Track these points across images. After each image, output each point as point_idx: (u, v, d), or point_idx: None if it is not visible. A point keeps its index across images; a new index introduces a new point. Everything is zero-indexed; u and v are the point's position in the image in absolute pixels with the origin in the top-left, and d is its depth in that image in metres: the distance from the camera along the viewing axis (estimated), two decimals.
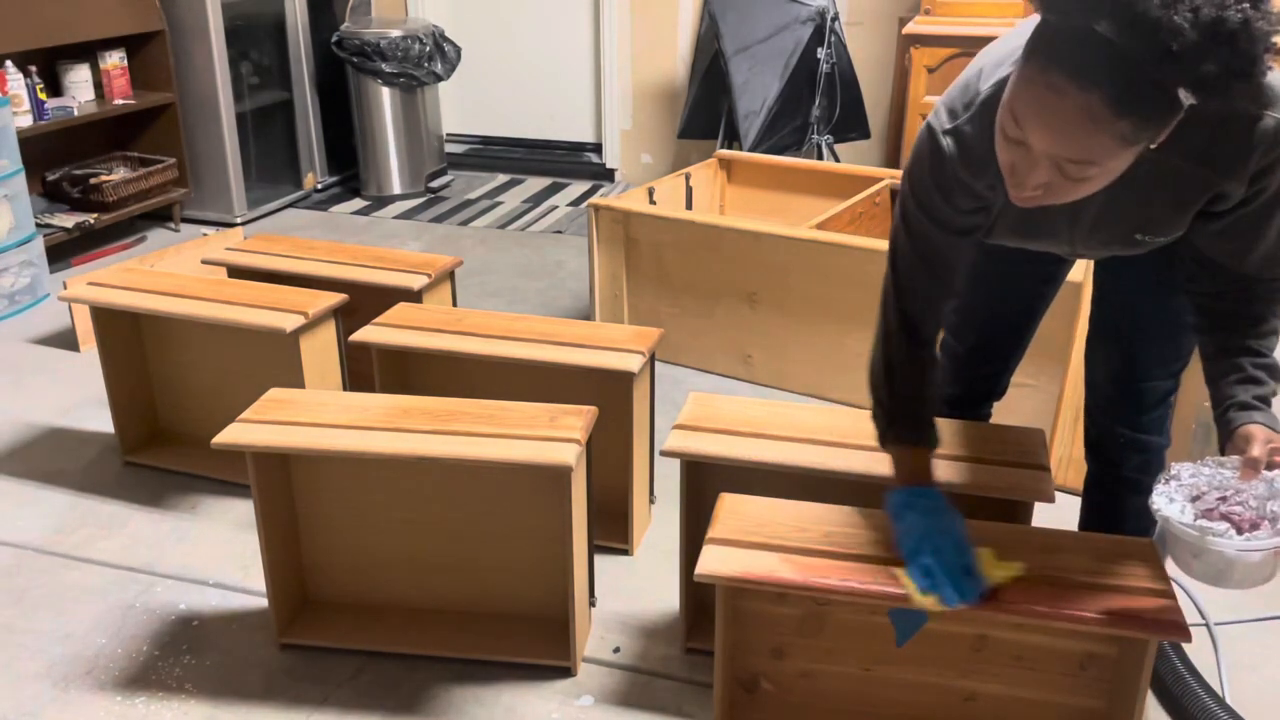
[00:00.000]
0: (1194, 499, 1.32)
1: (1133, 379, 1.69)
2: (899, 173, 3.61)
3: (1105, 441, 1.75)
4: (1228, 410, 1.36)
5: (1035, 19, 1.20)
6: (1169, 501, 1.33)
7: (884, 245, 2.81)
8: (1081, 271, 2.24)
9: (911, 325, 1.54)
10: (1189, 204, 1.36)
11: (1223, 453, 1.38)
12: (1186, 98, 1.11)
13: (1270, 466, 1.29)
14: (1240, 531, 1.27)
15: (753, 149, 4.09)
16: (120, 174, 4.22)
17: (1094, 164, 1.18)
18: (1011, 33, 1.43)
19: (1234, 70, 1.06)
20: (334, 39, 4.70)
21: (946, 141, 1.40)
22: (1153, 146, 1.20)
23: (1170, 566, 1.45)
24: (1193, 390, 2.43)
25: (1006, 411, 2.18)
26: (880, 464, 1.77)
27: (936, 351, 1.60)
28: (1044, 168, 1.20)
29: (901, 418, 1.58)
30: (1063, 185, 1.22)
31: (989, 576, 1.49)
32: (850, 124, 4.39)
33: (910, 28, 4.08)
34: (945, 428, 1.88)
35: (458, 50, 4.87)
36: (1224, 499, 1.30)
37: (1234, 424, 1.34)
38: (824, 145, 4.32)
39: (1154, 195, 1.35)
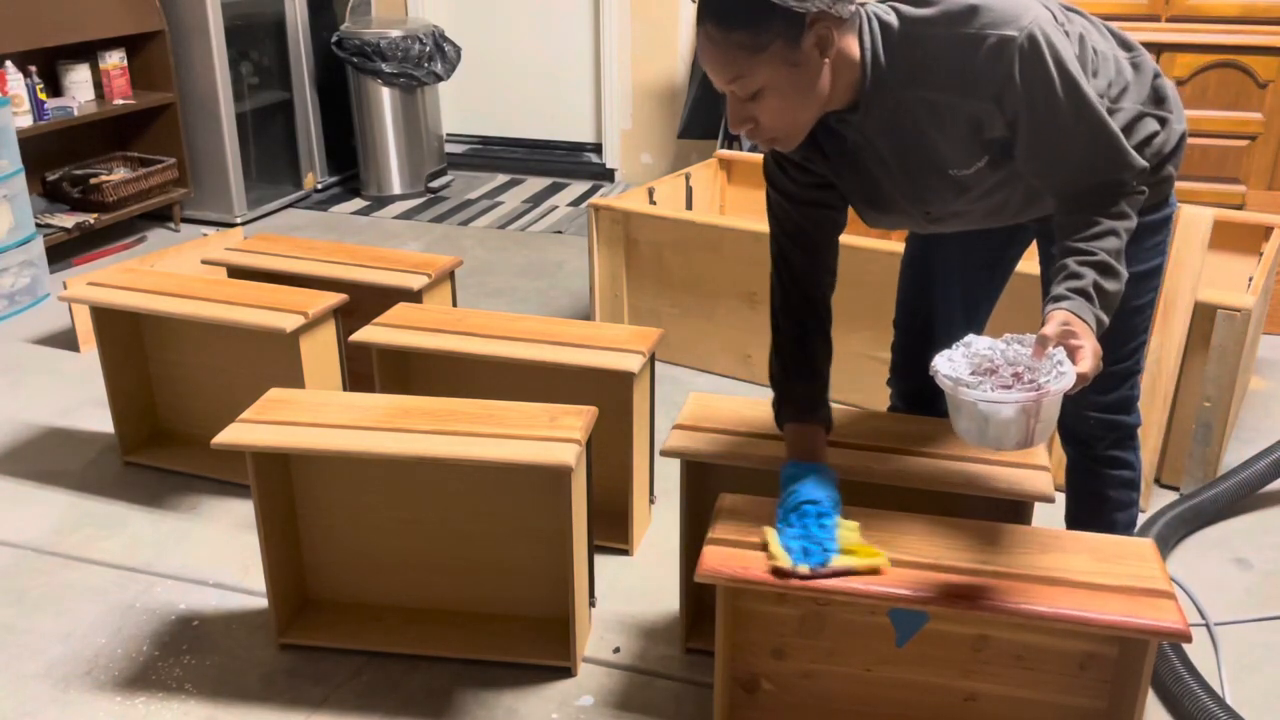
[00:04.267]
0: (989, 371, 1.34)
1: None
2: None
3: (1077, 427, 1.77)
4: (1046, 305, 1.40)
5: None
6: (946, 361, 1.36)
7: (884, 246, 2.84)
8: None
9: (792, 302, 1.68)
10: (954, 133, 1.46)
11: None
12: (794, 3, 1.33)
13: (1061, 346, 1.32)
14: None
15: (753, 149, 4.09)
16: (120, 174, 4.22)
17: (745, 78, 1.39)
18: None
19: None
20: (334, 39, 4.70)
21: None
22: (825, 57, 1.39)
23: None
24: (1193, 392, 2.43)
25: None
26: (880, 463, 1.77)
27: (827, 331, 1.70)
28: (733, 101, 1.44)
29: (790, 396, 1.69)
30: (754, 111, 1.43)
31: (845, 553, 1.53)
32: None
33: None
34: (945, 428, 1.89)
35: (458, 50, 4.87)
36: (1017, 375, 1.32)
37: (1045, 313, 1.38)
38: None
39: (924, 131, 1.47)
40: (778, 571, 1.52)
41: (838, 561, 1.52)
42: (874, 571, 1.52)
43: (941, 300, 1.88)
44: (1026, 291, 2.00)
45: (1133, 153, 1.44)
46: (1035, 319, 1.95)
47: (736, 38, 1.37)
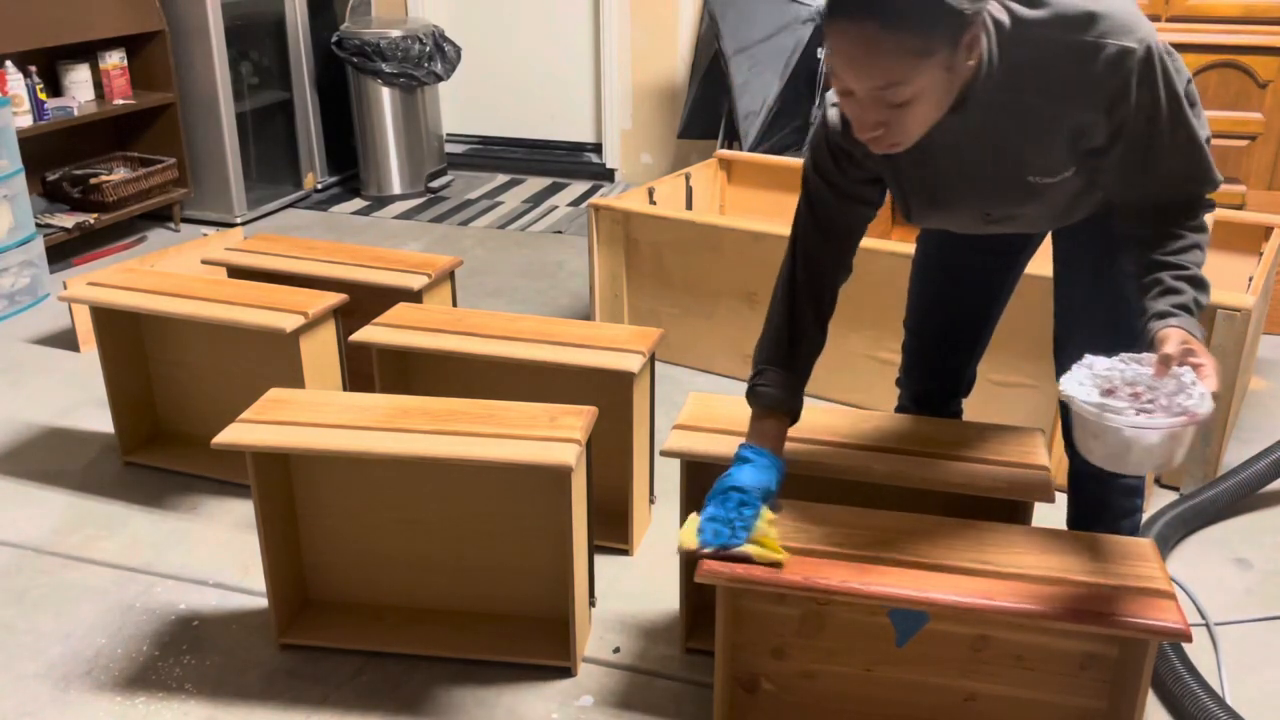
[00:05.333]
0: (1107, 392, 1.33)
1: None
2: None
3: None
4: (1149, 322, 1.40)
5: None
6: (1078, 385, 1.35)
7: (886, 246, 2.84)
8: None
9: (801, 292, 1.65)
10: (1052, 140, 1.43)
11: None
12: (960, 2, 1.26)
13: (1183, 365, 1.32)
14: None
15: (753, 149, 4.09)
16: (120, 174, 4.22)
17: (902, 84, 1.29)
18: None
19: None
20: (334, 39, 4.70)
21: (832, 112, 1.56)
22: (971, 63, 1.33)
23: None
24: None
25: (1007, 411, 2.19)
26: (880, 463, 1.77)
27: (825, 326, 1.68)
28: (870, 106, 1.34)
29: (771, 381, 1.66)
30: (894, 117, 1.34)
31: (753, 543, 1.54)
32: None
33: None
34: (945, 428, 1.89)
35: (458, 50, 4.87)
36: (1136, 395, 1.32)
37: (1152, 331, 1.38)
38: None
39: (1018, 136, 1.43)
40: (683, 550, 1.57)
41: (741, 549, 1.54)
42: (773, 565, 1.54)
43: (956, 302, 1.87)
44: (1030, 292, 2.00)
45: (1214, 166, 1.44)
46: (1037, 319, 1.96)
47: (904, 41, 1.26)
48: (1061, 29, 1.35)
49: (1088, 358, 1.39)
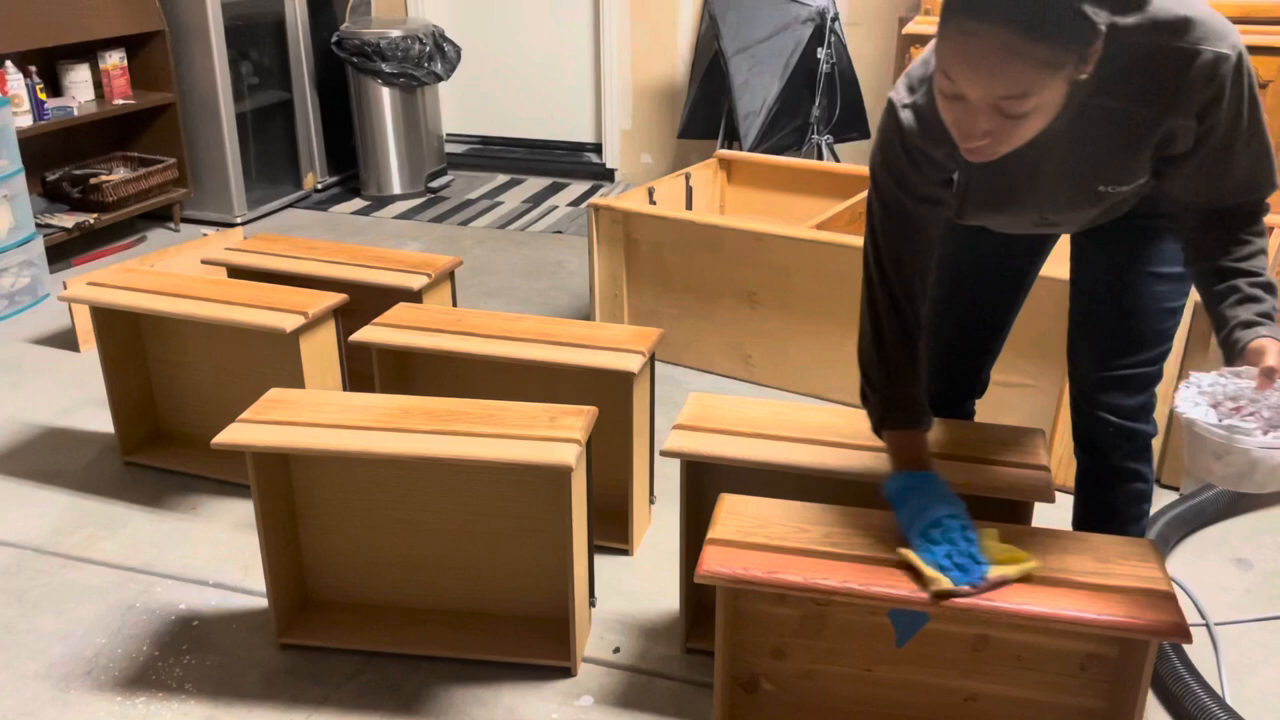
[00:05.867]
0: (1212, 407, 1.32)
1: (1118, 366, 1.69)
2: None
3: (1094, 432, 1.75)
4: (1233, 331, 1.38)
5: None
6: (1193, 405, 1.33)
7: None
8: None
9: (899, 302, 1.58)
10: (1141, 147, 1.40)
11: None
12: (1097, 14, 1.19)
13: None
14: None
15: (753, 149, 4.09)
16: (120, 174, 4.22)
17: (1027, 96, 1.23)
18: None
19: None
20: (334, 39, 4.70)
21: (905, 115, 1.47)
22: (1084, 77, 1.26)
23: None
24: None
25: (1007, 411, 2.18)
26: (881, 463, 1.77)
27: (922, 334, 1.62)
28: (984, 114, 1.26)
29: (896, 402, 1.60)
30: (1006, 127, 1.27)
31: (993, 561, 1.49)
32: (850, 124, 4.39)
33: (910, 28, 4.08)
34: (945, 428, 1.89)
35: (458, 50, 4.87)
36: (1238, 409, 1.31)
37: (1242, 342, 1.36)
38: (824, 145, 4.32)
39: (1106, 142, 1.40)
40: (939, 594, 1.45)
41: (994, 573, 1.47)
42: (1028, 578, 1.48)
43: (979, 302, 1.85)
44: (1033, 293, 1.99)
45: (1276, 170, 1.43)
46: (1038, 319, 1.95)
47: (1038, 51, 1.19)
48: (1157, 34, 1.31)
49: (1192, 375, 1.36)
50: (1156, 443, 2.46)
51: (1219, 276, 1.42)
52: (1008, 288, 1.84)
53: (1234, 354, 1.38)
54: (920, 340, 1.61)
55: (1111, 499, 1.79)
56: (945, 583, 1.45)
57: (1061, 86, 1.24)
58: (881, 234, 1.57)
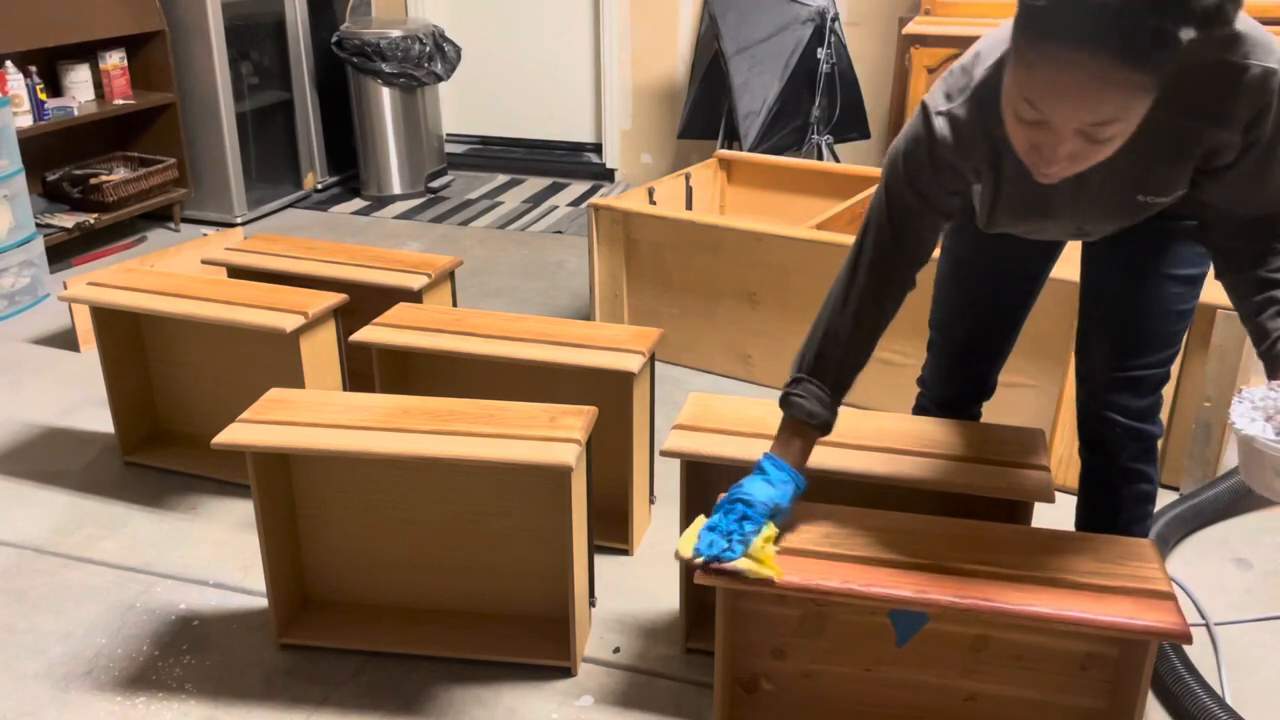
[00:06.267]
0: (1266, 420, 1.32)
1: (1128, 367, 1.69)
2: None
3: (1102, 432, 1.75)
4: (1275, 344, 1.38)
5: None
6: (1250, 421, 1.32)
7: None
8: (1077, 270, 2.24)
9: (865, 304, 1.57)
10: (1187, 159, 1.39)
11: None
12: (1185, 33, 1.15)
13: None
14: None
15: (753, 149, 4.09)
16: (120, 174, 4.22)
17: (1117, 120, 1.20)
18: (1010, 21, 1.44)
19: None
20: (334, 39, 4.70)
21: (939, 122, 1.44)
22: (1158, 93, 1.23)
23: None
24: (1193, 392, 2.43)
25: (1007, 411, 2.18)
26: (880, 463, 1.77)
27: (876, 343, 1.61)
28: (1068, 139, 1.23)
29: (811, 393, 1.59)
30: (1089, 150, 1.24)
31: (748, 558, 1.53)
32: (850, 124, 4.39)
33: (910, 28, 4.08)
34: (945, 428, 1.89)
35: (458, 50, 4.87)
36: None
37: None
38: (824, 145, 4.32)
39: (1153, 155, 1.38)
40: (677, 557, 1.56)
41: (734, 564, 1.52)
42: (764, 582, 1.53)
43: (991, 307, 1.85)
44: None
45: None
46: (1039, 320, 1.95)
47: (1134, 77, 1.16)
48: (1208, 49, 1.27)
49: (1244, 390, 1.36)
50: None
51: (1255, 288, 1.42)
52: (1022, 290, 1.83)
53: (1273, 365, 1.38)
54: (866, 347, 1.60)
55: (1117, 500, 1.79)
56: (685, 551, 1.55)
57: (1147, 105, 1.21)
58: (875, 238, 1.56)
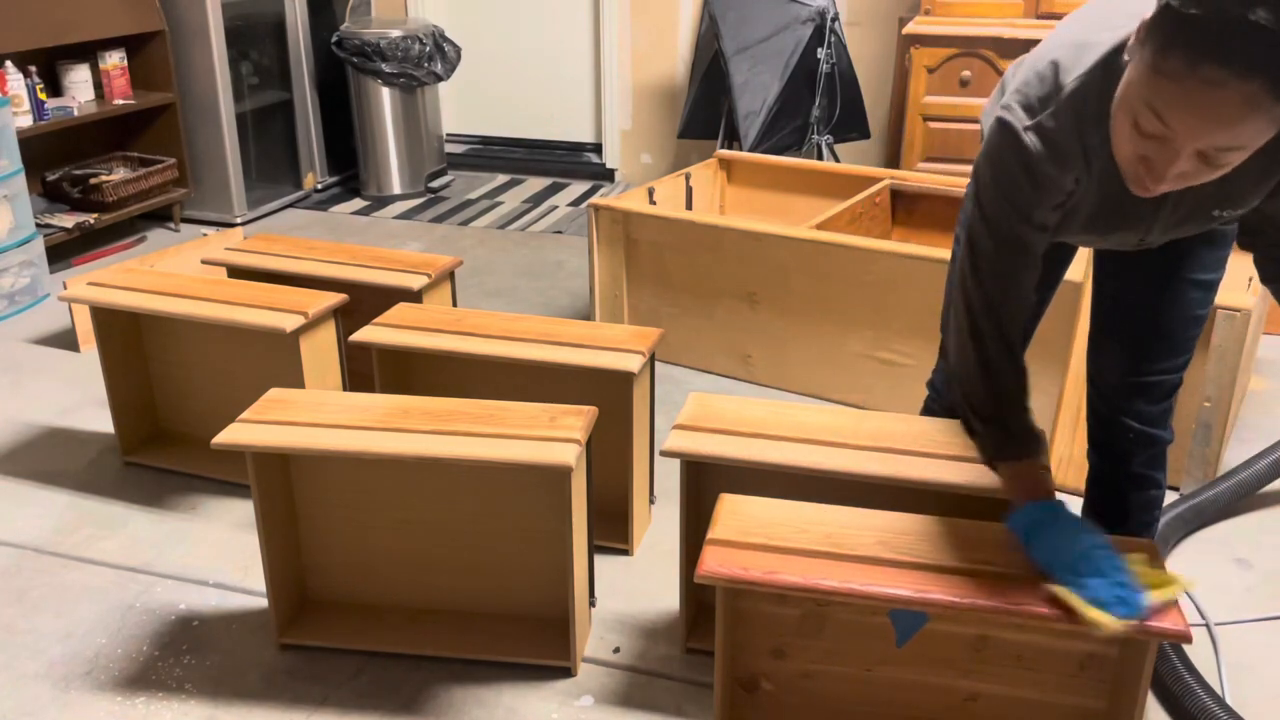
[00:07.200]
0: None
1: (1143, 372, 1.69)
2: (899, 172, 3.61)
3: (1114, 437, 1.74)
4: None
5: (1101, 6, 1.19)
6: None
7: (885, 246, 2.83)
8: (1081, 272, 2.24)
9: (1007, 333, 1.51)
10: (1271, 176, 1.35)
11: None
12: None
13: None
14: None
15: (753, 149, 4.09)
16: (120, 174, 4.22)
17: (1244, 149, 1.17)
18: (1075, 20, 1.41)
19: None
20: (334, 39, 4.70)
21: (1030, 138, 1.38)
22: None
23: None
24: (1194, 389, 2.43)
25: None
26: (880, 463, 1.77)
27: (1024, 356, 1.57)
28: (1186, 158, 1.18)
29: (1012, 432, 1.55)
30: (1203, 171, 1.20)
31: (1148, 586, 1.43)
32: (850, 124, 4.39)
33: (910, 28, 4.08)
34: (945, 428, 1.89)
35: (458, 50, 4.87)
36: None
37: None
38: (824, 145, 4.32)
39: (1242, 172, 1.32)
40: (1097, 624, 1.39)
41: (1154, 598, 1.41)
42: (1174, 602, 1.44)
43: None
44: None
45: None
46: (1042, 322, 1.94)
47: (1278, 110, 1.12)
48: None
49: None
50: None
51: None
52: (1042, 299, 1.80)
53: None
54: (1023, 366, 1.55)
55: (1126, 505, 1.79)
56: (1110, 621, 1.38)
57: (1272, 135, 1.17)
58: (988, 264, 1.49)
